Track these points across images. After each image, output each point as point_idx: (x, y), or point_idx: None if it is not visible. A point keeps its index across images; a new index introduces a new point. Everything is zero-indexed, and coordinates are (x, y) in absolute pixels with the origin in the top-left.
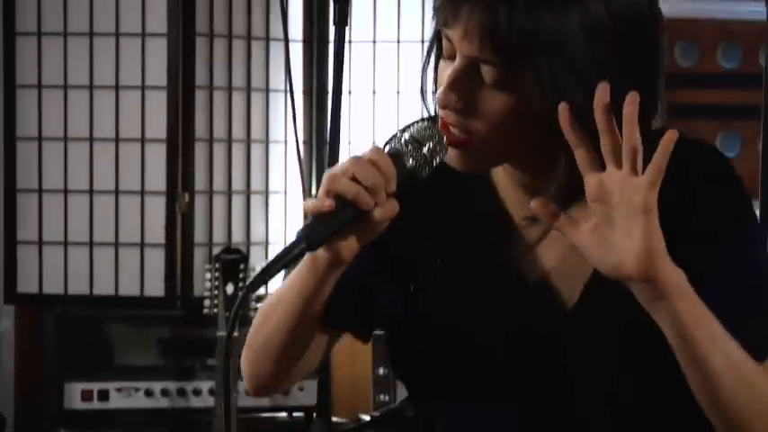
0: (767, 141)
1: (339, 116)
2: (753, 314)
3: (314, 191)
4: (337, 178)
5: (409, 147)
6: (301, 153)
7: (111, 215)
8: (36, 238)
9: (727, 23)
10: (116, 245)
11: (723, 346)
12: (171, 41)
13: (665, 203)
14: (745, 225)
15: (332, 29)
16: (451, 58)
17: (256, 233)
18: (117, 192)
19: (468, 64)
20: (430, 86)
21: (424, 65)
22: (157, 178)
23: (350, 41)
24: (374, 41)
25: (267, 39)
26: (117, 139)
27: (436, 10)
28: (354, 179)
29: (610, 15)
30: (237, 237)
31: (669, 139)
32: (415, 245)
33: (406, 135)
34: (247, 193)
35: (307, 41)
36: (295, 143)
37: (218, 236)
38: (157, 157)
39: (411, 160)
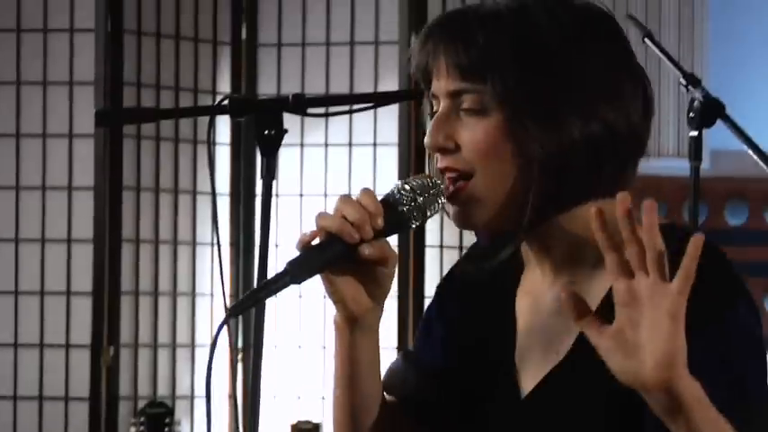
0: None
1: (266, 269)
2: (736, 405)
3: (240, 344)
4: (324, 215)
5: (403, 194)
6: (228, 306)
7: (36, 369)
8: None
9: (651, 179)
10: (40, 398)
11: None
12: (98, 194)
13: None
14: (720, 319)
15: (259, 182)
16: None
17: (182, 387)
18: (42, 345)
19: (448, 104)
20: None
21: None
22: (82, 331)
23: (277, 195)
24: (301, 195)
25: (194, 192)
26: (42, 293)
27: (417, 74)
28: (343, 217)
29: (554, 30)
30: (163, 390)
31: (695, 245)
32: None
33: (405, 185)
34: (173, 346)
35: (233, 195)
36: (222, 296)
37: (143, 389)
38: (83, 309)
39: (404, 207)
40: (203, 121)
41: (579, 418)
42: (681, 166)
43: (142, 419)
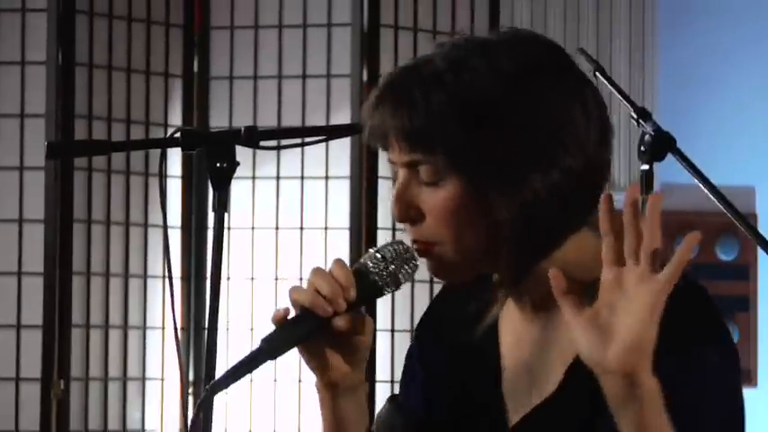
0: None
1: (218, 302)
2: None
3: (191, 377)
4: (298, 289)
5: (376, 263)
6: (179, 339)
7: None
8: None
9: None
10: None
11: None
12: (48, 227)
13: None
14: (688, 356)
15: (210, 215)
16: None
17: (132, 420)
18: None
19: (406, 174)
20: None
21: None
22: (33, 364)
23: (229, 228)
24: (253, 228)
25: (146, 225)
26: None
27: (372, 142)
28: (316, 291)
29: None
30: (113, 424)
31: (690, 239)
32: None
33: (377, 254)
34: (124, 379)
35: (185, 228)
36: (173, 329)
37: (94, 423)
38: (33, 343)
39: (376, 277)
40: (155, 153)
41: None
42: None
43: None
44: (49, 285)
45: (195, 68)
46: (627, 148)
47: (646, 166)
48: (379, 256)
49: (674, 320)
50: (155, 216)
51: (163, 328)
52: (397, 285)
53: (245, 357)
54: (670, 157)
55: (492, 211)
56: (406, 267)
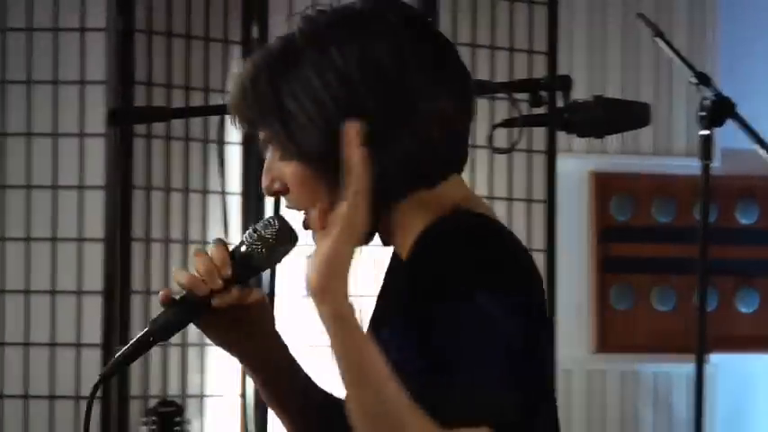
0: (703, 296)
1: (275, 269)
2: (432, 376)
3: None
4: (179, 270)
5: (252, 240)
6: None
7: (46, 367)
8: None
9: (661, 178)
10: (51, 397)
11: (379, 386)
12: (109, 193)
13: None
14: (456, 298)
15: None
16: None
17: (192, 385)
18: (53, 344)
19: (270, 150)
20: None
21: None
22: (93, 330)
23: None
24: None
25: (204, 191)
26: (53, 292)
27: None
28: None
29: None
30: (173, 389)
31: (349, 132)
32: None
33: (254, 232)
34: (183, 345)
35: (244, 194)
36: None
37: (154, 388)
38: (93, 309)
39: (253, 253)
40: (214, 120)
41: None
42: (691, 165)
43: (153, 418)
44: (109, 251)
45: (254, 34)
46: (686, 114)
47: (705, 132)
48: (255, 234)
49: (446, 262)
50: (214, 182)
51: None
52: (275, 260)
53: (134, 341)
54: (730, 123)
55: (334, 183)
56: (283, 241)
